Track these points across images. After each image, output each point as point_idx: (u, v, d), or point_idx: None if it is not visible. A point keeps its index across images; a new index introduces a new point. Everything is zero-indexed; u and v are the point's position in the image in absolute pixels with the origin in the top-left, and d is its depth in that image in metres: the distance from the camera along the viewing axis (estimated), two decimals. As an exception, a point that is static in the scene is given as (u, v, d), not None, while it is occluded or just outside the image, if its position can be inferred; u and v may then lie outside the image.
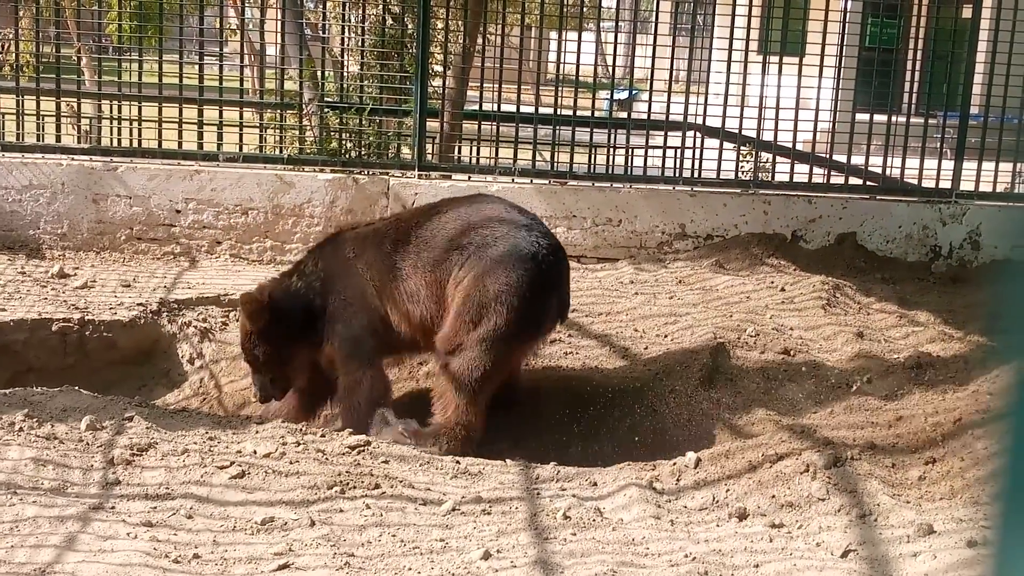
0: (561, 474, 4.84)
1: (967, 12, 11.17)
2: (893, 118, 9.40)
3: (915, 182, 9.23)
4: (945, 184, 9.11)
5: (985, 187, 9.21)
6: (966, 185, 9.10)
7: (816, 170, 9.39)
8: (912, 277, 8.37)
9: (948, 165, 9.16)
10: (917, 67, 10.03)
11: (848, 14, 10.07)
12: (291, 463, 4.66)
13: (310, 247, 6.71)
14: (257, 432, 5.09)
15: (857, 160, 9.40)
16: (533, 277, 5.46)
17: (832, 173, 9.25)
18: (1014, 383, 0.83)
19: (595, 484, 4.70)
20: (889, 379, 6.05)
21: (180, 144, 8.99)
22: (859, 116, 9.50)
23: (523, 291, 5.41)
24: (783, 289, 7.58)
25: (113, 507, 4.21)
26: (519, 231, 5.59)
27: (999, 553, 0.80)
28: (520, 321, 5.45)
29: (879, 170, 9.22)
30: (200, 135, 9.01)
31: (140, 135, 9.52)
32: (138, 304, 7.10)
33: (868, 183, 9.23)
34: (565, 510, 4.27)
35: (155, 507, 4.21)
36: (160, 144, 8.94)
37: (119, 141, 10.12)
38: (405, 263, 5.69)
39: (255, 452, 4.74)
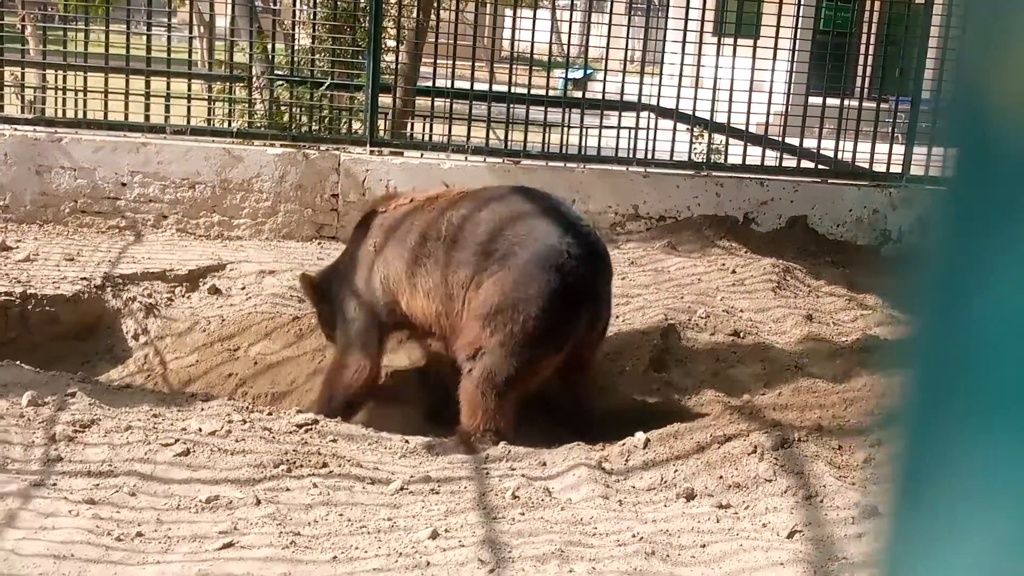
0: (511, 454, 4.83)
1: (919, -2, 11.25)
2: (845, 102, 9.46)
3: (866, 166, 9.31)
4: (896, 169, 9.19)
5: (935, 172, 9.29)
6: (916, 170, 9.19)
7: (769, 153, 9.43)
8: (862, 261, 8.45)
9: (899, 150, 9.25)
10: (870, 52, 10.09)
11: (802, -3, 10.09)
12: (237, 441, 4.60)
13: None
14: (202, 409, 5.03)
15: (809, 144, 9.46)
16: (554, 288, 5.08)
17: (784, 156, 9.30)
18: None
19: (544, 464, 4.69)
20: (837, 362, 6.09)
21: (126, 116, 8.82)
22: (812, 100, 9.55)
23: (541, 302, 5.06)
24: (734, 271, 7.62)
25: (55, 484, 4.13)
26: (551, 236, 5.19)
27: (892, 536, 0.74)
28: (539, 331, 5.10)
29: (831, 154, 9.28)
30: (147, 107, 8.85)
31: (86, 106, 9.34)
32: (82, 278, 6.98)
33: (820, 167, 9.29)
34: (514, 490, 4.26)
35: (98, 484, 4.14)
36: (106, 115, 8.75)
37: (64, 112, 9.94)
38: (428, 260, 5.45)
39: (200, 430, 4.68)
